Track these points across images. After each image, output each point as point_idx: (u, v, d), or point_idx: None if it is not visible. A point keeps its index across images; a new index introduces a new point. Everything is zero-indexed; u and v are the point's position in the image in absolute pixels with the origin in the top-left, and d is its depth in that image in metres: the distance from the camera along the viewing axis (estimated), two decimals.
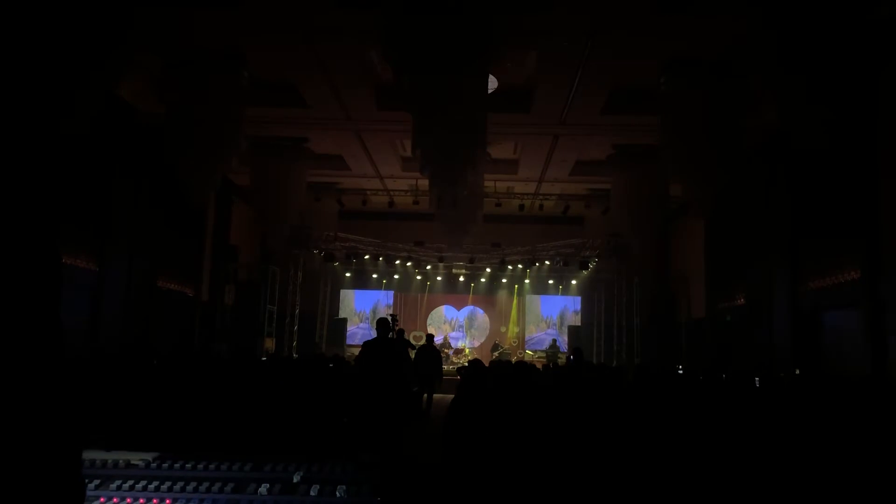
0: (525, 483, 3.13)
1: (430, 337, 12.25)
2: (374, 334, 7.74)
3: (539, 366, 14.76)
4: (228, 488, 1.47)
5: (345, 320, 19.55)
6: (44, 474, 0.98)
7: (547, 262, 19.13)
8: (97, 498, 1.59)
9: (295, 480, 1.49)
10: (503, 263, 19.10)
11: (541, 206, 17.88)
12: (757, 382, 7.34)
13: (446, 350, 18.62)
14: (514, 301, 20.48)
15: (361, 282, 20.14)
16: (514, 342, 20.06)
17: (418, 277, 19.99)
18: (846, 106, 7.25)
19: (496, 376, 5.59)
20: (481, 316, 20.94)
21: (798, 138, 8.29)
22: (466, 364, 7.46)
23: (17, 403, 0.98)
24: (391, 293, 20.49)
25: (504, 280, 20.12)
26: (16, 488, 0.94)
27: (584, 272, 19.00)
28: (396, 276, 19.91)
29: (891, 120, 8.31)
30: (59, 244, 1.10)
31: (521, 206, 17.62)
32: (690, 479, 3.13)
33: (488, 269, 19.58)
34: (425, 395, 11.14)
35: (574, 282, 19.99)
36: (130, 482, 1.48)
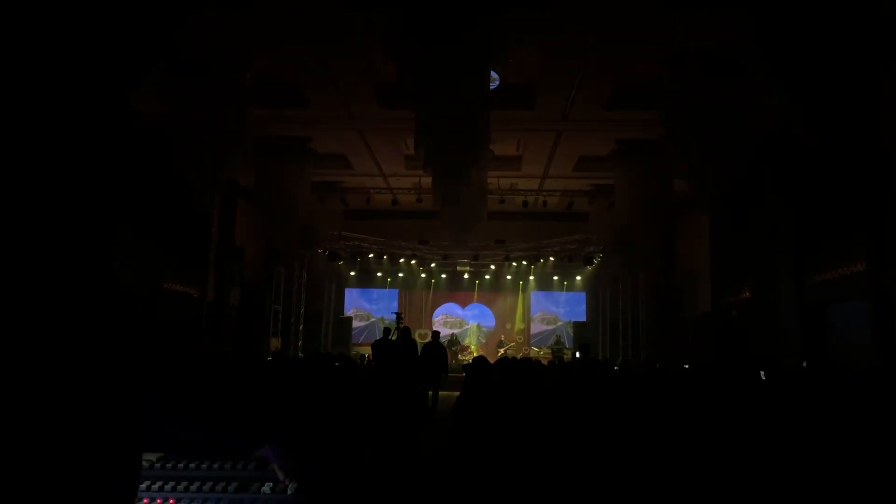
0: (532, 480, 3.13)
1: (436, 334, 12.27)
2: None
3: (545, 362, 14.81)
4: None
5: (350, 319, 19.58)
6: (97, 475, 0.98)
7: (551, 259, 19.12)
8: None
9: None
10: (508, 260, 19.09)
11: (544, 203, 17.84)
12: (763, 376, 7.32)
13: (453, 348, 18.63)
14: (519, 297, 20.48)
15: (366, 280, 20.17)
16: (520, 338, 20.06)
17: (423, 275, 20.00)
18: (849, 100, 7.21)
19: (501, 374, 5.60)
20: (486, 313, 20.95)
21: (794, 136, 8.26)
22: (470, 361, 7.49)
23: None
24: (395, 291, 20.52)
25: (509, 277, 20.11)
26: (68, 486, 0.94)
27: (589, 268, 18.98)
28: (401, 275, 19.93)
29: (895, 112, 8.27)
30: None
31: (525, 203, 17.59)
32: (697, 473, 3.13)
33: (493, 267, 19.58)
34: (430, 393, 11.16)
35: (579, 278, 19.97)
36: None
